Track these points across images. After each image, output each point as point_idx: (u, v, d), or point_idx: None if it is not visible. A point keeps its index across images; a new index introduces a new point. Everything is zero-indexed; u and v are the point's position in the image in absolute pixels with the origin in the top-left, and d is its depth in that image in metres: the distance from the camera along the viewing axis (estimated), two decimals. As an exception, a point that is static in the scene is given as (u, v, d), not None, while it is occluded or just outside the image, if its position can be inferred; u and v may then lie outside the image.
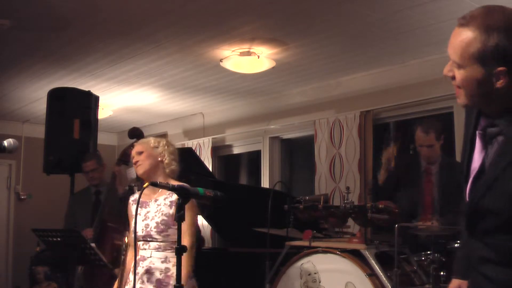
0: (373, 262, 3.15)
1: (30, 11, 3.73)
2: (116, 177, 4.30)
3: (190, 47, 4.47)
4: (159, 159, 2.91)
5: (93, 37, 4.24)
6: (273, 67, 4.80)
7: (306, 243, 3.43)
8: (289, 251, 3.54)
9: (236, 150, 6.94)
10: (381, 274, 3.08)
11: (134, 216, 2.69)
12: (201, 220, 5.60)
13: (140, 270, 2.76)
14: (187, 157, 4.65)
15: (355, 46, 4.49)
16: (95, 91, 5.08)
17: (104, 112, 6.35)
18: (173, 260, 2.66)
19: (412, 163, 3.98)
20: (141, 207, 2.85)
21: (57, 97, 4.76)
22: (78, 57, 4.74)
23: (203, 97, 6.24)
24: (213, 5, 3.64)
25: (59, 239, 3.46)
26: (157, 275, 2.73)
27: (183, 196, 2.14)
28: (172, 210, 2.77)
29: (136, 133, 4.32)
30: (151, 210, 2.83)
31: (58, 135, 4.66)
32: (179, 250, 2.06)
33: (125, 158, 4.36)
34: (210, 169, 6.30)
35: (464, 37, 1.47)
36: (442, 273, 3.11)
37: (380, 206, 3.27)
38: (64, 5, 3.63)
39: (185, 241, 2.66)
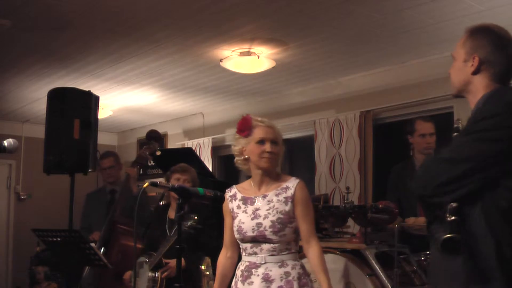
0: (373, 262, 3.15)
1: (30, 11, 3.73)
2: (131, 177, 4.31)
3: (190, 47, 4.47)
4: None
5: (93, 37, 4.24)
6: (273, 67, 4.80)
7: (306, 243, 3.42)
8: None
9: (236, 150, 6.93)
10: (381, 274, 3.09)
11: (233, 213, 2.50)
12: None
13: (256, 279, 2.39)
14: (187, 157, 4.65)
15: (355, 46, 4.49)
16: (95, 91, 5.04)
17: (104, 112, 6.35)
18: (291, 263, 2.42)
19: (405, 171, 3.97)
20: (244, 204, 2.50)
21: (57, 97, 4.73)
22: (78, 57, 4.75)
23: (203, 97, 6.24)
24: (213, 5, 3.64)
25: (59, 239, 3.46)
26: (278, 282, 2.37)
27: (183, 196, 2.14)
28: (288, 207, 2.43)
29: (152, 136, 4.33)
30: (261, 207, 2.45)
31: (58, 135, 4.64)
32: (180, 251, 2.06)
33: (141, 161, 4.36)
34: (210, 169, 6.30)
35: None
36: (442, 273, 3.11)
37: (380, 206, 3.27)
38: (64, 5, 3.63)
39: (314, 242, 2.46)
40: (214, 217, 3.30)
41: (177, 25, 4.01)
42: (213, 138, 6.78)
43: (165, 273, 3.22)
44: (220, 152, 7.05)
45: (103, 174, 4.58)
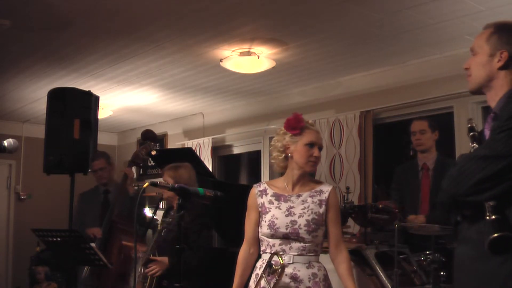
0: (373, 262, 3.15)
1: (30, 11, 3.73)
2: (127, 177, 4.30)
3: (190, 47, 4.47)
4: None
5: (93, 37, 4.25)
6: (273, 67, 4.80)
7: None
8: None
9: (236, 150, 6.95)
10: (381, 274, 3.09)
11: (264, 208, 2.50)
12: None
13: (283, 278, 2.37)
14: (185, 156, 4.64)
15: (355, 46, 4.49)
16: (95, 91, 5.07)
17: (104, 112, 6.35)
18: (317, 265, 2.45)
19: (408, 171, 4.00)
20: (277, 200, 2.51)
21: (57, 97, 4.74)
22: (78, 57, 4.75)
23: (203, 97, 6.24)
24: (213, 5, 3.64)
25: (59, 239, 3.46)
26: (306, 283, 2.38)
27: (183, 196, 2.14)
28: (322, 210, 2.46)
29: (148, 135, 4.33)
30: (296, 206, 2.47)
31: (58, 135, 4.65)
32: (179, 251, 2.06)
33: (137, 160, 4.35)
34: (210, 169, 6.30)
35: None
36: (442, 273, 3.11)
37: (380, 206, 3.27)
38: (64, 5, 3.63)
39: (343, 247, 2.51)
40: (207, 215, 3.28)
41: (177, 25, 4.01)
42: (213, 138, 6.78)
43: (149, 271, 3.16)
44: (220, 152, 7.05)
45: (94, 175, 4.57)
